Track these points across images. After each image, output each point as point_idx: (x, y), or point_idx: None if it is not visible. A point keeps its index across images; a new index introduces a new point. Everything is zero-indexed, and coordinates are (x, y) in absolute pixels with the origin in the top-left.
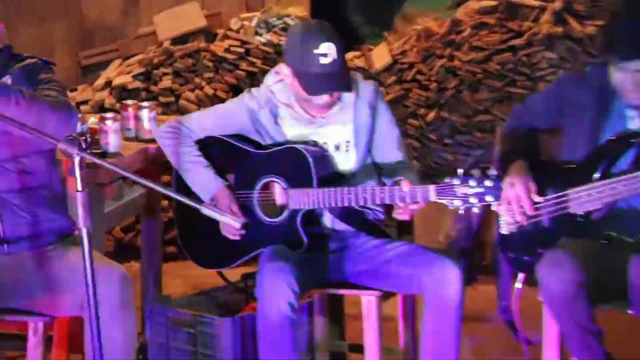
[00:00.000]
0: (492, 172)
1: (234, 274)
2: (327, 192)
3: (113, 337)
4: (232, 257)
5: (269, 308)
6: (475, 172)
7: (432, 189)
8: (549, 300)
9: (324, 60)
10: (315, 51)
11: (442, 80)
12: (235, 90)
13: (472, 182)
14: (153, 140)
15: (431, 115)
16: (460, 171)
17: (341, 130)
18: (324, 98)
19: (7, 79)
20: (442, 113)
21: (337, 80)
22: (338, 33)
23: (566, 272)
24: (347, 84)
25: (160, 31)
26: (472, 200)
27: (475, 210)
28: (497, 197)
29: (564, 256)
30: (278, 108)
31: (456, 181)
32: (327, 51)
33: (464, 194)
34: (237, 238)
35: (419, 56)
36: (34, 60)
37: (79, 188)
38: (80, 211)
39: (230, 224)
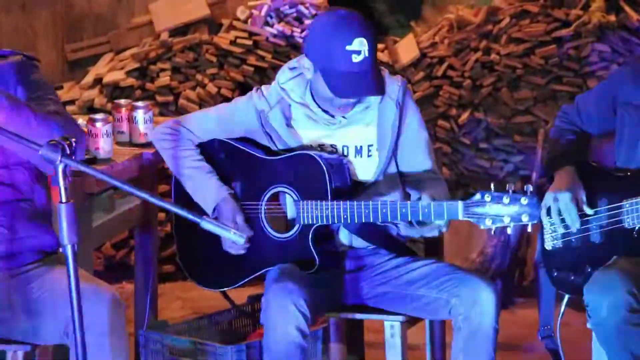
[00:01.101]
0: (529, 187)
1: (240, 295)
2: (343, 206)
3: None
4: (235, 276)
5: (276, 334)
6: (510, 187)
7: (460, 205)
8: (598, 328)
9: (356, 59)
10: (348, 48)
11: (477, 77)
12: (242, 88)
13: (505, 199)
14: (149, 145)
15: (464, 116)
16: (493, 186)
17: (363, 132)
18: (351, 100)
19: None
20: (477, 114)
21: (369, 81)
22: (371, 25)
23: (617, 296)
24: (380, 87)
25: (157, 21)
26: (506, 220)
27: (509, 231)
28: (535, 217)
29: (615, 277)
30: (291, 108)
31: (487, 197)
32: (359, 48)
33: (496, 213)
34: (241, 252)
35: (451, 49)
36: (20, 57)
37: (63, 199)
38: (64, 225)
39: (234, 240)
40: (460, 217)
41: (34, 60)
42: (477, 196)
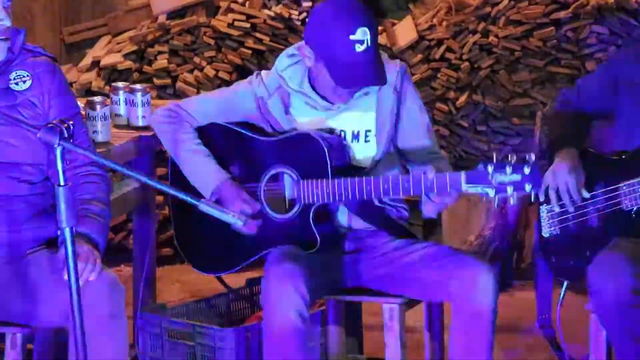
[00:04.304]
0: (531, 157)
1: (238, 279)
2: (344, 183)
3: (101, 351)
4: (234, 260)
5: (276, 318)
6: (512, 157)
7: (462, 176)
8: (601, 310)
9: (359, 48)
10: (352, 37)
11: (475, 59)
12: (240, 71)
13: (508, 169)
14: (146, 128)
15: (462, 98)
16: (495, 157)
17: (362, 118)
18: (354, 89)
19: (27, 79)
20: (475, 96)
21: (372, 71)
22: (373, 13)
23: (621, 277)
24: (382, 76)
25: (154, 4)
26: (509, 189)
27: (512, 201)
28: (537, 186)
29: (618, 259)
30: (290, 96)
31: (490, 168)
32: (363, 37)
33: (499, 183)
34: (253, 231)
35: (449, 32)
36: (45, 56)
37: (61, 182)
38: (63, 208)
39: (233, 223)
40: (463, 188)
41: (55, 60)
42: (480, 166)
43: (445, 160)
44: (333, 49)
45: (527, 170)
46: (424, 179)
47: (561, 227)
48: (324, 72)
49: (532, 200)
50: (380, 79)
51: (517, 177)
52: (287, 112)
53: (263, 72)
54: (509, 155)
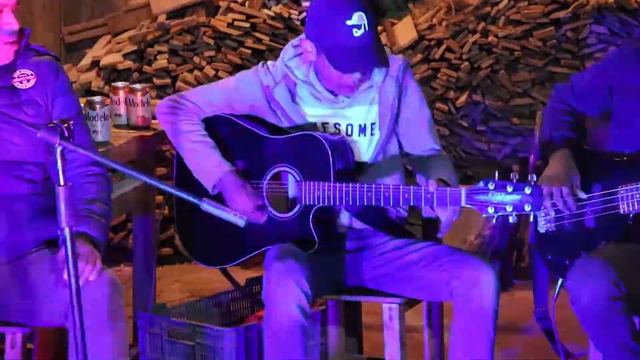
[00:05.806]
0: (533, 177)
1: (238, 278)
2: (345, 188)
3: (101, 350)
4: (234, 254)
5: (277, 313)
6: (514, 176)
7: (463, 192)
8: (580, 315)
9: (356, 33)
10: (348, 22)
11: (475, 59)
12: (239, 71)
13: (509, 188)
14: (146, 128)
15: (462, 98)
16: (496, 175)
17: (367, 111)
18: (356, 76)
19: (31, 78)
20: (475, 96)
21: (372, 54)
22: (368, 0)
23: (598, 283)
24: (384, 59)
25: (154, 4)
26: (508, 208)
27: (511, 219)
28: (537, 207)
29: (597, 264)
30: (296, 86)
31: (491, 185)
32: (359, 22)
33: (499, 201)
34: (260, 221)
35: (449, 31)
36: (49, 56)
37: (61, 182)
38: (62, 208)
39: (234, 222)
40: (463, 204)
41: (58, 59)
42: (481, 184)
43: (449, 160)
44: (331, 37)
45: (527, 191)
46: (425, 191)
47: (557, 224)
48: (326, 63)
49: (531, 219)
50: (381, 62)
51: (517, 197)
52: (293, 100)
53: (269, 62)
54: (511, 174)
